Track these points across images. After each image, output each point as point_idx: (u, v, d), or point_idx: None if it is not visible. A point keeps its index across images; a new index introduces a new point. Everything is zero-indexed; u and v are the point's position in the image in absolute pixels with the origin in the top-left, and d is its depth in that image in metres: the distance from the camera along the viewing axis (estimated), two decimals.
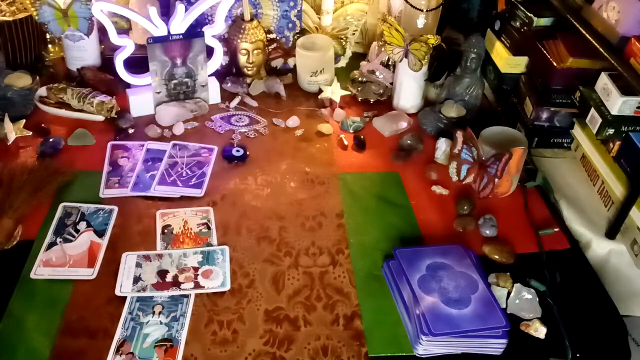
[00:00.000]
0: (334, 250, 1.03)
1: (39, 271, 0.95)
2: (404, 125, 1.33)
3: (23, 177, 1.08)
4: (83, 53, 1.40)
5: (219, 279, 0.96)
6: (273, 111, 1.38)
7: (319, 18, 1.51)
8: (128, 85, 1.33)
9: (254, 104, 1.40)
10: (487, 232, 1.07)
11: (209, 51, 1.35)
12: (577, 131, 1.24)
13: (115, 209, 1.07)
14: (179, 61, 1.29)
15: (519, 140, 1.18)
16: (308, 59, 1.42)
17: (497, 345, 0.87)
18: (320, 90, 1.43)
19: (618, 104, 1.08)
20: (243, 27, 1.40)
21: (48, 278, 0.94)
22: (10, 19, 1.34)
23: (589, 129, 1.17)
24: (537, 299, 0.94)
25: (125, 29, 1.49)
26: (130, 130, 1.27)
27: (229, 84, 1.43)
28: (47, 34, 1.47)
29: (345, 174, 1.21)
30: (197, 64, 1.32)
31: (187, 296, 0.93)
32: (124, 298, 0.92)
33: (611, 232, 1.09)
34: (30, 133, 1.21)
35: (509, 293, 0.96)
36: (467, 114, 1.29)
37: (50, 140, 1.20)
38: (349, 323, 0.91)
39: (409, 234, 1.07)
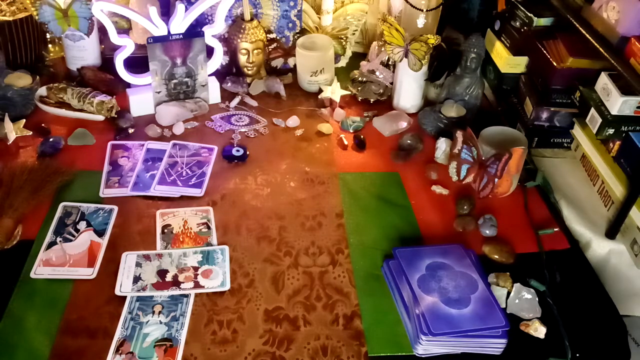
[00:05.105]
0: (334, 250, 1.03)
1: (39, 271, 0.95)
2: (404, 125, 1.33)
3: (23, 176, 1.08)
4: (83, 53, 1.40)
5: (218, 279, 0.96)
6: (273, 111, 1.38)
7: (319, 18, 1.51)
8: (128, 85, 1.33)
9: (254, 103, 1.40)
10: (487, 232, 1.07)
11: (209, 51, 1.35)
12: (577, 131, 1.24)
13: (115, 208, 1.07)
14: (179, 61, 1.29)
15: (519, 140, 1.18)
16: (308, 59, 1.42)
17: (496, 345, 0.87)
18: (320, 90, 1.43)
19: (618, 103, 1.07)
20: (243, 27, 1.40)
21: (48, 277, 0.94)
22: (11, 18, 1.34)
23: (589, 128, 1.17)
24: (537, 299, 0.94)
25: (125, 29, 1.49)
26: (130, 130, 1.27)
27: (229, 84, 1.43)
28: (47, 34, 1.47)
29: (345, 173, 1.21)
30: (197, 63, 1.32)
31: (186, 296, 0.93)
32: (124, 298, 0.92)
33: (611, 232, 1.09)
34: (30, 133, 1.21)
35: (508, 293, 0.96)
36: (467, 114, 1.29)
37: (50, 140, 1.20)
38: (348, 323, 0.91)
39: (408, 233, 1.07)
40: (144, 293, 0.92)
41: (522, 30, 1.33)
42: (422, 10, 1.34)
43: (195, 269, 0.97)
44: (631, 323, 1.00)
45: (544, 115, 1.27)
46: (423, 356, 0.87)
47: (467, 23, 1.54)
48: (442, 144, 1.23)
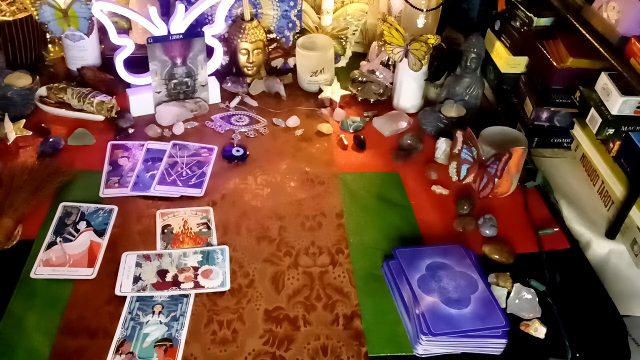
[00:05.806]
0: (334, 250, 1.03)
1: (39, 271, 0.95)
2: (404, 125, 1.33)
3: (23, 176, 1.08)
4: (83, 53, 1.40)
5: (218, 279, 0.96)
6: (273, 111, 1.38)
7: (319, 18, 1.51)
8: (128, 85, 1.33)
9: (254, 103, 1.40)
10: (487, 232, 1.07)
11: (209, 51, 1.35)
12: (577, 131, 1.24)
13: (115, 208, 1.07)
14: (179, 61, 1.29)
15: (519, 140, 1.18)
16: (308, 59, 1.42)
17: (496, 345, 0.87)
18: (320, 90, 1.43)
19: (618, 103, 1.07)
20: (243, 26, 1.40)
21: (48, 278, 0.94)
22: (11, 18, 1.34)
23: (589, 128, 1.17)
24: (537, 299, 0.94)
25: (125, 29, 1.49)
26: (130, 130, 1.27)
27: (229, 84, 1.43)
28: (47, 34, 1.47)
29: (345, 173, 1.21)
30: (197, 63, 1.32)
31: (186, 296, 0.93)
32: (124, 298, 0.92)
33: (611, 232, 1.09)
34: (30, 133, 1.21)
35: (508, 293, 0.95)
36: (467, 114, 1.29)
37: (50, 140, 1.20)
38: (348, 323, 0.91)
39: (408, 233, 1.07)
40: (144, 293, 0.92)
41: (522, 30, 1.33)
42: (422, 10, 1.34)
43: (195, 269, 0.97)
44: (631, 323, 1.00)
45: (544, 115, 1.27)
46: (423, 356, 0.87)
47: (467, 23, 1.54)
48: (442, 144, 1.23)
